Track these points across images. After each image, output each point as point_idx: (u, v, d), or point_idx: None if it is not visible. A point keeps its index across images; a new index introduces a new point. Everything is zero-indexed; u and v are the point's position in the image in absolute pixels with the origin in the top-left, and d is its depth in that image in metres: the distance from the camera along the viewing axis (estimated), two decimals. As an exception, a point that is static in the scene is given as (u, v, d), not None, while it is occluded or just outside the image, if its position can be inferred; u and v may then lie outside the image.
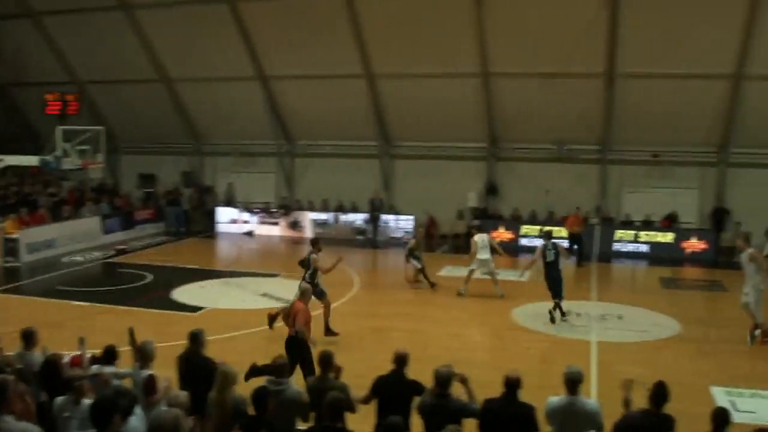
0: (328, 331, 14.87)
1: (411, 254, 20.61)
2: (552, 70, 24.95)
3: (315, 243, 15.71)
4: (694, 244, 26.29)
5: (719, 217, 26.88)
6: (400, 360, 8.33)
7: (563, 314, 16.96)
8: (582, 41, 23.84)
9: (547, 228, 20.25)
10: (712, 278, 23.22)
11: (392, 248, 27.45)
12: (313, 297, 12.89)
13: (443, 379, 7.73)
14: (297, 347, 11.27)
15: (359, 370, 9.38)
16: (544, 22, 23.89)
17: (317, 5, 25.44)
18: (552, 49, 24.31)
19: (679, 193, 27.47)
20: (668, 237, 26.64)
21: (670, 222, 27.19)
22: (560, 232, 24.72)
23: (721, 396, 11.98)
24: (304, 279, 15.01)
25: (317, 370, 8.54)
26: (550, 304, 16.95)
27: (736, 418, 9.91)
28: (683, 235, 26.69)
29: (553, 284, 17.00)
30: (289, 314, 12.06)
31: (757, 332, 15.35)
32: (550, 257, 17.15)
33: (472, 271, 19.57)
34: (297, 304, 11.88)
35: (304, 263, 15.54)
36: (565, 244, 22.99)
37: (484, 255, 19.29)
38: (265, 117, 29.76)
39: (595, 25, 23.53)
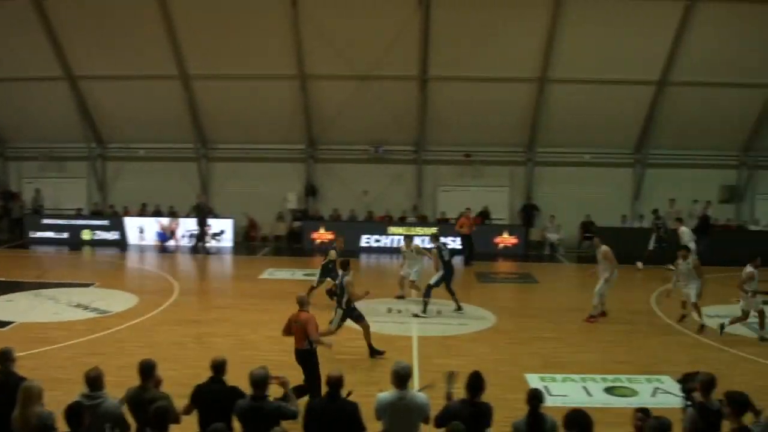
0: (374, 352, 14.17)
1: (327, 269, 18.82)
2: (367, 73, 25.38)
3: (346, 266, 14.65)
4: (506, 239, 27.46)
5: (528, 213, 28.31)
6: (218, 367, 8.16)
7: (459, 308, 18.20)
8: (396, 44, 24.46)
9: (434, 231, 21.72)
10: (524, 271, 24.37)
11: (213, 254, 26.95)
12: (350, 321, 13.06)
13: (258, 382, 7.61)
14: (308, 360, 11.04)
15: (181, 379, 9.11)
16: (359, 25, 24.27)
17: (127, 3, 24.54)
18: (367, 51, 24.77)
19: (491, 190, 28.68)
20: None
21: (482, 218, 28.24)
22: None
23: (535, 382, 12.52)
24: (340, 306, 14.31)
25: (138, 379, 8.13)
26: (371, 303, 17.15)
27: (550, 401, 10.40)
28: (496, 230, 27.81)
29: (449, 281, 18.08)
30: (290, 327, 11.46)
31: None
32: (447, 256, 18.33)
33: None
34: (301, 315, 11.30)
35: (334, 291, 15.56)
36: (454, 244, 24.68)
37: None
38: (75, 119, 28.37)
39: (408, 29, 24.20)
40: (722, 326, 15.99)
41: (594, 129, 26.88)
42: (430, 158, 28.47)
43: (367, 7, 24.09)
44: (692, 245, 22.71)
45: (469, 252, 25.54)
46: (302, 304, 11.55)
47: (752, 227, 27.95)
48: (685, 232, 23.71)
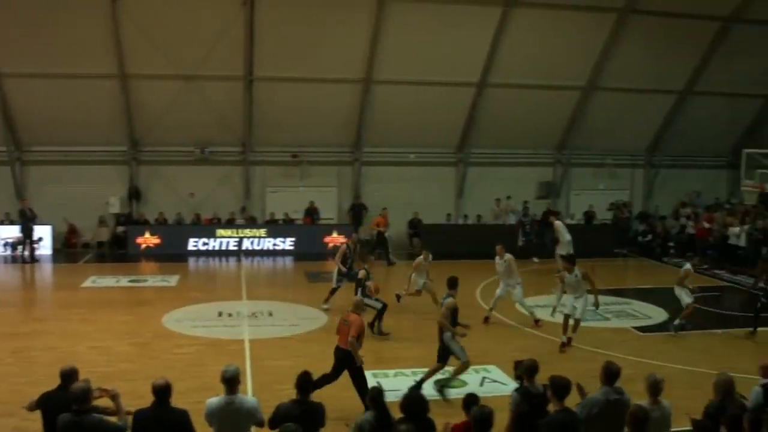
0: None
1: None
2: (191, 72, 24.88)
3: (454, 284, 13.51)
4: (335, 239, 27.65)
5: (357, 212, 28.63)
6: (67, 375, 7.78)
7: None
8: (220, 44, 24.10)
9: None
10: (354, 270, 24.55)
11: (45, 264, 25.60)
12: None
13: (78, 396, 7.20)
14: (345, 359, 11.25)
15: (1, 396, 8.61)
16: (182, 24, 23.71)
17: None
18: (190, 50, 24.25)
19: (319, 190, 28.80)
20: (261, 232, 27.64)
21: (311, 218, 28.33)
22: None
23: (368, 378, 12.68)
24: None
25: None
26: (202, 307, 16.87)
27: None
28: (325, 230, 27.98)
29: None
30: (340, 327, 11.73)
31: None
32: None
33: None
34: (351, 316, 11.66)
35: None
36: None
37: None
38: None
39: (232, 29, 23.90)
40: (677, 326, 16.54)
41: (418, 129, 27.57)
42: (257, 159, 28.23)
43: (189, 6, 23.56)
44: (568, 237, 23.85)
45: (385, 250, 25.72)
46: (358, 307, 11.98)
47: (568, 221, 29.54)
48: (561, 226, 24.75)
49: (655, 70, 27.52)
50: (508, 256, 17.49)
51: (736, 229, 26.36)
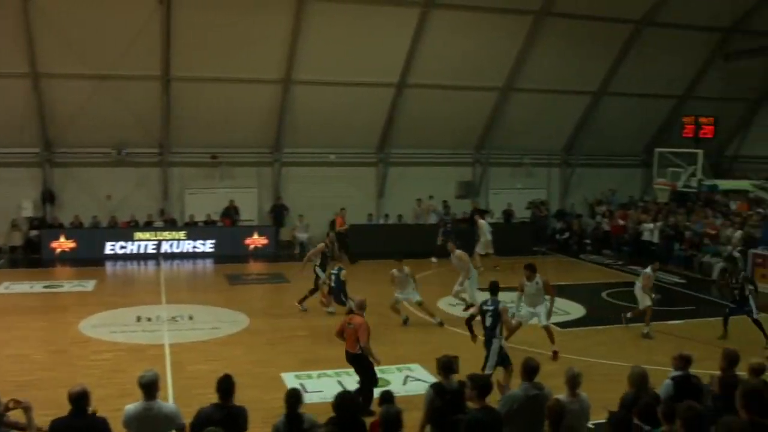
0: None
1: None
2: (107, 72, 24.33)
3: (496, 289, 12.94)
4: (256, 240, 27.46)
5: (278, 213, 28.46)
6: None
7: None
8: (136, 43, 23.60)
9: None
10: (275, 271, 24.50)
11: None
12: None
13: None
14: (360, 362, 11.35)
15: None
16: (97, 22, 23.12)
17: None
18: (106, 50, 23.69)
19: (240, 192, 28.52)
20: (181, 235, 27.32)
21: (231, 219, 28.04)
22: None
23: (291, 380, 12.69)
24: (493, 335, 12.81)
25: None
26: (120, 312, 16.53)
27: (306, 398, 10.57)
28: (245, 231, 27.74)
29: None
30: (342, 329, 11.58)
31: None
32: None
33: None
34: (355, 318, 11.50)
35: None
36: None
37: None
38: None
39: (149, 28, 23.44)
40: (645, 334, 16.53)
41: (338, 129, 27.56)
42: (175, 160, 27.75)
43: (104, 4, 23.00)
44: (489, 236, 24.19)
45: (345, 250, 25.60)
46: (360, 307, 11.74)
47: (488, 219, 29.91)
48: (484, 225, 25.04)
49: (570, 71, 28.17)
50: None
51: (650, 226, 27.11)
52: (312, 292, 18.68)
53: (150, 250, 26.54)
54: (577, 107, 30.17)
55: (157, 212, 27.70)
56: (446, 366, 8.60)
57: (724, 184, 24.84)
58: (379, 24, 24.85)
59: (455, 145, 30.03)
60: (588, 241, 29.63)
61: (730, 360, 8.89)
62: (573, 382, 7.96)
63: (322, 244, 19.58)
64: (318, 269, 18.79)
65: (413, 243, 25.08)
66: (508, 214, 31.02)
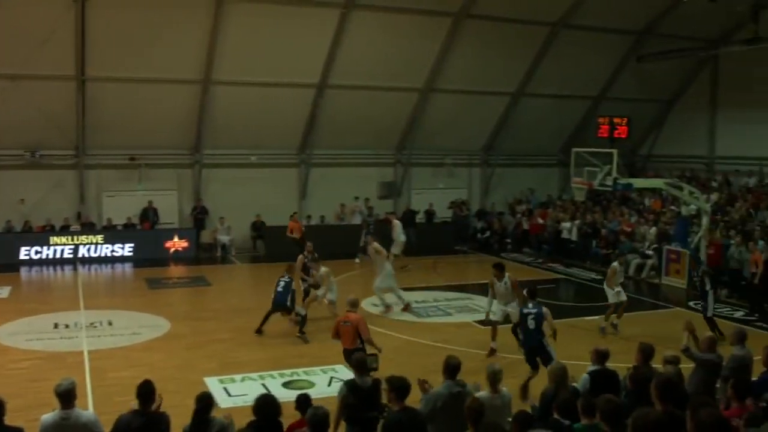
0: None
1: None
2: (18, 72, 23.62)
3: (533, 294, 13.13)
4: (176, 243, 27.06)
5: (200, 215, 28.07)
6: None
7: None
8: (50, 42, 22.93)
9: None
10: (196, 274, 24.19)
11: None
12: None
13: None
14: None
15: None
16: (8, 21, 22.34)
17: None
18: (17, 49, 22.94)
19: (159, 194, 28.02)
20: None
21: (150, 222, 27.56)
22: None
23: (214, 385, 12.55)
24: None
25: None
26: (37, 319, 16.06)
27: (230, 402, 10.50)
28: (166, 234, 27.33)
29: None
30: (340, 328, 11.75)
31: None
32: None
33: None
34: (351, 316, 11.74)
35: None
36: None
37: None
38: None
39: (62, 27, 22.82)
40: (613, 326, 16.75)
41: (259, 130, 27.34)
42: (92, 162, 27.08)
43: (16, 1, 22.35)
44: (402, 237, 24.28)
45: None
46: (353, 305, 11.98)
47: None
48: (398, 225, 25.11)
49: (489, 72, 28.56)
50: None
51: (568, 224, 27.72)
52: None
53: (67, 255, 25.89)
54: (497, 108, 30.60)
55: (73, 216, 27.02)
56: (359, 364, 8.78)
57: (639, 182, 25.53)
58: (299, 24, 24.74)
59: (377, 146, 30.14)
60: (509, 240, 30.11)
61: (645, 354, 9.18)
62: (494, 378, 8.16)
63: (301, 256, 18.69)
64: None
65: (335, 244, 25.07)
66: (429, 214, 31.26)
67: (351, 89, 27.39)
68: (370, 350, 11.38)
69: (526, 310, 12.60)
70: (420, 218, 30.54)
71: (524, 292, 13.30)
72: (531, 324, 12.41)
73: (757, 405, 7.69)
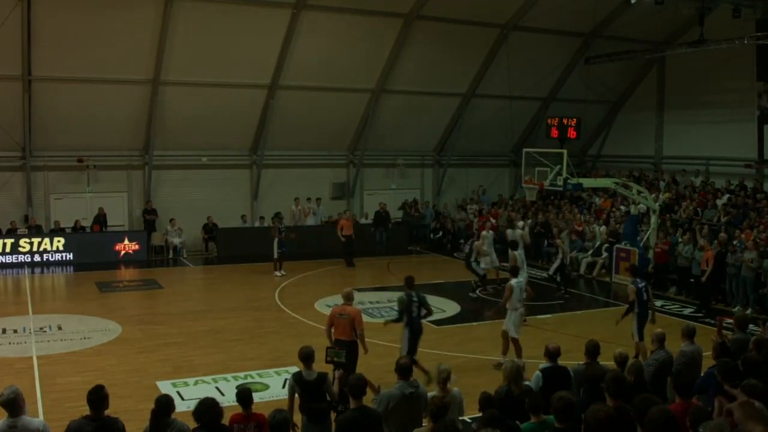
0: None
1: None
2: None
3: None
4: (127, 246, 26.71)
5: (150, 217, 27.74)
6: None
7: None
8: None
9: None
10: (148, 277, 23.90)
11: None
12: None
13: None
14: (352, 349, 11.32)
15: None
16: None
17: None
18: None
19: (108, 196, 27.64)
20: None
21: (100, 225, 27.17)
22: None
23: (167, 388, 12.42)
24: None
25: None
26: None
27: (184, 406, 10.43)
28: (116, 237, 26.95)
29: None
30: (334, 320, 11.70)
31: None
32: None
33: None
34: (347, 308, 11.70)
35: None
36: None
37: None
38: None
39: (8, 27, 22.38)
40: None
41: (211, 131, 27.18)
42: (39, 164, 26.59)
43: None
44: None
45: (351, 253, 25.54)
46: (348, 298, 11.94)
47: (363, 221, 30.14)
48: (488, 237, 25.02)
49: (440, 73, 28.74)
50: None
51: (520, 224, 27.91)
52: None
53: (14, 259, 25.40)
54: (448, 108, 30.80)
55: (21, 219, 26.53)
56: (305, 356, 8.93)
57: (588, 182, 25.91)
58: (249, 24, 24.62)
59: (329, 147, 30.17)
60: (461, 240, 30.22)
61: (591, 352, 9.36)
62: (443, 377, 8.24)
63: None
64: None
65: (290, 244, 24.97)
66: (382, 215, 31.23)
67: (302, 90, 27.37)
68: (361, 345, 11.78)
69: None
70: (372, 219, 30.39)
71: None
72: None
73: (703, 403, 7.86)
